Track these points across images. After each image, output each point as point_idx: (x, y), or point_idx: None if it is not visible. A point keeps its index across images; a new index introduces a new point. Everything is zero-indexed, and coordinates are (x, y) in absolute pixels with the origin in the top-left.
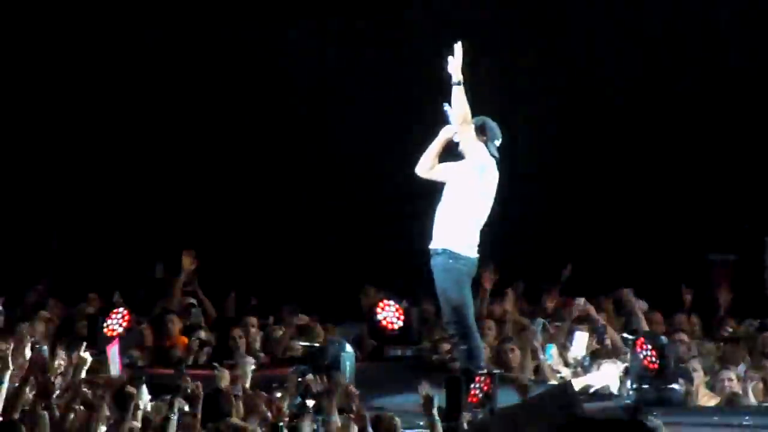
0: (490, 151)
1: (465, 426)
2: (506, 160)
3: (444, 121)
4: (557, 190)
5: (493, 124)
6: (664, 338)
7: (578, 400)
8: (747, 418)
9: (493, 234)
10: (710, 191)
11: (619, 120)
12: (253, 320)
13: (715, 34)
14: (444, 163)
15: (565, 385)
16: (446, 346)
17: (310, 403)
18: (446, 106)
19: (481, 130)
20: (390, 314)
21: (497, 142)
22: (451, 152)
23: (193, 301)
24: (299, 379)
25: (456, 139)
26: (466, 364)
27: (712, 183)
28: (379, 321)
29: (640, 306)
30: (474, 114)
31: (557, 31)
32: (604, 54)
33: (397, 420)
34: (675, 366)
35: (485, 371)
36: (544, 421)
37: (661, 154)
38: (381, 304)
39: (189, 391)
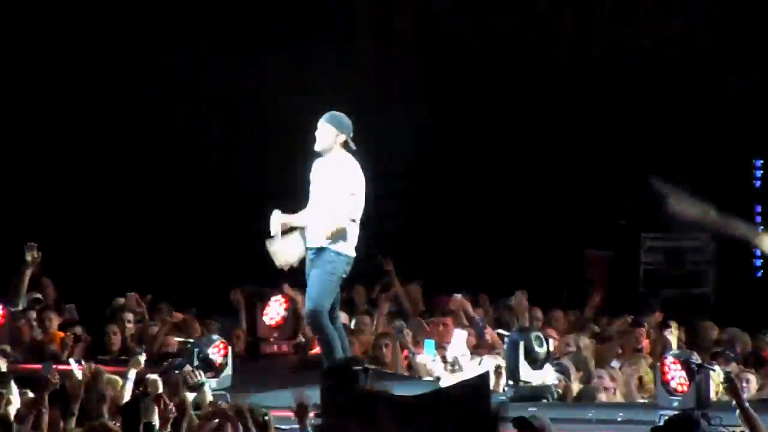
0: (348, 146)
1: None
2: (383, 159)
3: None
4: (435, 187)
5: (342, 118)
6: (536, 334)
7: (489, 395)
8: (621, 414)
9: (372, 230)
10: (587, 188)
11: (499, 117)
12: (129, 316)
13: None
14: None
15: (482, 377)
16: None
17: (190, 396)
18: None
19: (336, 126)
20: (274, 310)
21: (350, 134)
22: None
23: (38, 296)
24: (176, 372)
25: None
26: (325, 359)
27: (589, 179)
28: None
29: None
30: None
31: None
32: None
33: (269, 415)
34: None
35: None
36: (459, 411)
37: (540, 150)
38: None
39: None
